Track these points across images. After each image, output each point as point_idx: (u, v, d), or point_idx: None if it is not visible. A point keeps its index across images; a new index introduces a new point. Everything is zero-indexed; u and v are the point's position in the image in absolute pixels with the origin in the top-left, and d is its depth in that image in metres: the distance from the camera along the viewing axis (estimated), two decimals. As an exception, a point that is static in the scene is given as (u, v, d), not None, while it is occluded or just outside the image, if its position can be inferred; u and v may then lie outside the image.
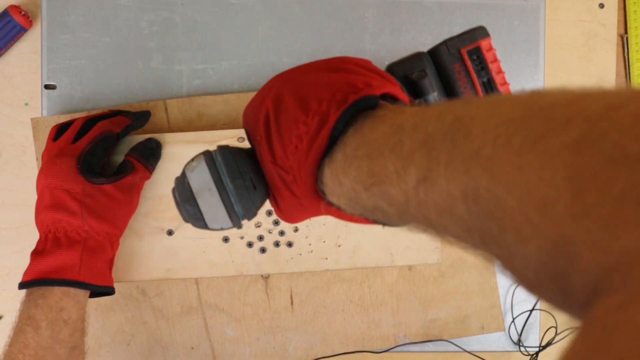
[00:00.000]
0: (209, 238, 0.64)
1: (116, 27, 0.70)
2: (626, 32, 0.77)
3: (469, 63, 0.37)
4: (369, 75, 0.33)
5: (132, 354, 0.69)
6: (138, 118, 0.62)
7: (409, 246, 0.66)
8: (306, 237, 0.65)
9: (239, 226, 0.37)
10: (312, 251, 0.65)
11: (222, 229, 0.36)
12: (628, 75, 0.77)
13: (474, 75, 0.37)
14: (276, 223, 0.65)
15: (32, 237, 0.70)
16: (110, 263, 0.59)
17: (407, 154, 0.25)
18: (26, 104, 0.71)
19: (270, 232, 0.64)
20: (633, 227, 0.15)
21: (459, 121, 0.23)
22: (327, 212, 0.34)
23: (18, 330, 0.52)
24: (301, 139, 0.31)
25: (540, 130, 0.19)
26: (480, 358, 0.73)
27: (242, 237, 0.64)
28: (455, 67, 0.37)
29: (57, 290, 0.53)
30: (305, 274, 0.70)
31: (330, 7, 0.73)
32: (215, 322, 0.70)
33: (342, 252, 0.65)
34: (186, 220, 0.38)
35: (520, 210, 0.18)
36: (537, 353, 0.74)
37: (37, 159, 0.68)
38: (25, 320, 0.52)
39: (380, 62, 0.73)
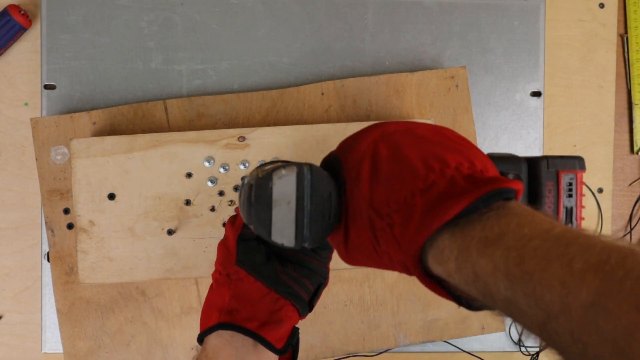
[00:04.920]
0: (209, 237, 0.64)
1: (116, 27, 0.70)
2: (626, 32, 0.77)
3: (562, 186, 0.39)
4: (483, 157, 0.35)
5: (132, 354, 0.69)
6: None
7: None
8: (306, 237, 0.65)
9: (300, 248, 0.36)
10: (312, 251, 0.65)
11: (282, 245, 0.36)
12: (628, 75, 0.77)
13: (562, 199, 0.39)
14: (276, 223, 0.65)
15: (31, 237, 0.70)
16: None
17: (578, 271, 0.25)
18: (26, 104, 0.71)
19: (270, 232, 0.64)
20: None
21: None
22: (417, 274, 0.34)
23: None
24: (414, 195, 0.32)
25: None
26: (480, 358, 0.73)
27: (242, 237, 0.64)
28: (548, 184, 0.39)
29: None
30: (305, 274, 0.70)
31: (330, 7, 0.73)
32: (215, 323, 0.70)
33: (342, 252, 0.65)
34: (249, 222, 0.37)
35: None
36: (537, 353, 0.74)
37: (36, 159, 0.68)
38: None
39: (380, 62, 0.73)
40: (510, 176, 0.38)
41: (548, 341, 0.27)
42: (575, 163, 0.40)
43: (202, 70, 0.71)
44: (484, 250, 0.29)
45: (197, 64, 0.71)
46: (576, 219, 0.39)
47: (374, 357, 0.72)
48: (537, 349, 0.74)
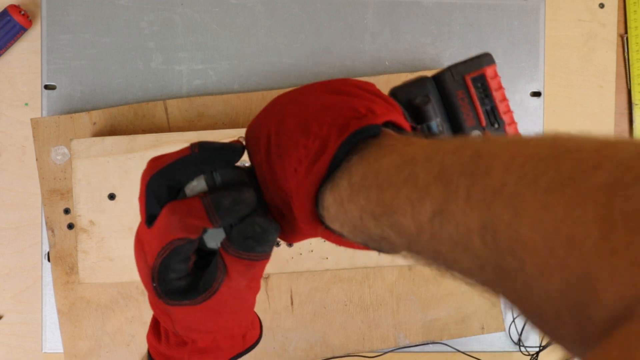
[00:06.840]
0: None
1: (116, 27, 0.70)
2: (626, 32, 0.77)
3: (472, 90, 0.37)
4: (371, 98, 0.33)
5: (132, 354, 0.69)
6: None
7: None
8: (306, 237, 0.65)
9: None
10: (312, 250, 0.65)
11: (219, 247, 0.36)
12: (628, 75, 0.77)
13: (477, 103, 0.37)
14: (276, 223, 0.65)
15: (31, 237, 0.70)
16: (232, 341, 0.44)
17: (422, 186, 0.25)
18: (26, 104, 0.71)
19: (270, 232, 0.64)
20: None
21: (479, 157, 0.23)
22: (325, 237, 0.34)
23: None
24: (301, 162, 0.31)
25: (569, 172, 0.19)
26: (476, 359, 0.73)
27: (242, 237, 0.64)
28: (458, 93, 0.37)
29: None
30: (305, 274, 0.70)
31: (330, 7, 0.73)
32: (215, 322, 0.70)
33: (342, 252, 0.65)
34: None
35: (545, 245, 0.19)
36: (537, 353, 0.74)
37: (36, 159, 0.68)
38: None
39: (380, 62, 0.73)
40: (418, 100, 0.37)
41: (425, 264, 0.27)
42: (481, 61, 0.38)
43: (202, 70, 0.71)
44: (352, 198, 0.29)
45: (197, 64, 0.71)
46: (501, 117, 0.37)
47: (374, 357, 0.72)
48: (537, 349, 0.74)
